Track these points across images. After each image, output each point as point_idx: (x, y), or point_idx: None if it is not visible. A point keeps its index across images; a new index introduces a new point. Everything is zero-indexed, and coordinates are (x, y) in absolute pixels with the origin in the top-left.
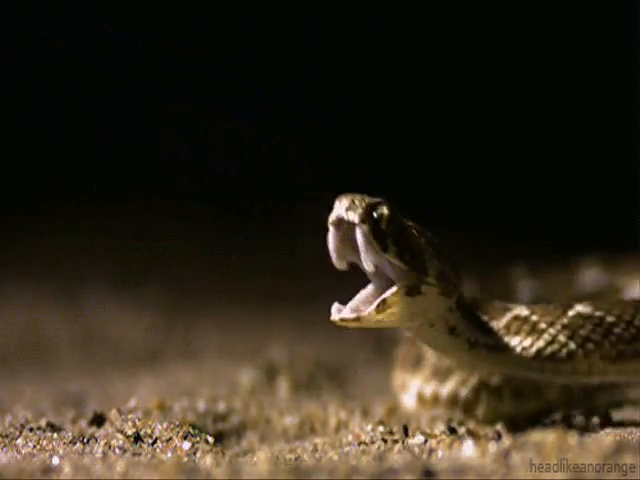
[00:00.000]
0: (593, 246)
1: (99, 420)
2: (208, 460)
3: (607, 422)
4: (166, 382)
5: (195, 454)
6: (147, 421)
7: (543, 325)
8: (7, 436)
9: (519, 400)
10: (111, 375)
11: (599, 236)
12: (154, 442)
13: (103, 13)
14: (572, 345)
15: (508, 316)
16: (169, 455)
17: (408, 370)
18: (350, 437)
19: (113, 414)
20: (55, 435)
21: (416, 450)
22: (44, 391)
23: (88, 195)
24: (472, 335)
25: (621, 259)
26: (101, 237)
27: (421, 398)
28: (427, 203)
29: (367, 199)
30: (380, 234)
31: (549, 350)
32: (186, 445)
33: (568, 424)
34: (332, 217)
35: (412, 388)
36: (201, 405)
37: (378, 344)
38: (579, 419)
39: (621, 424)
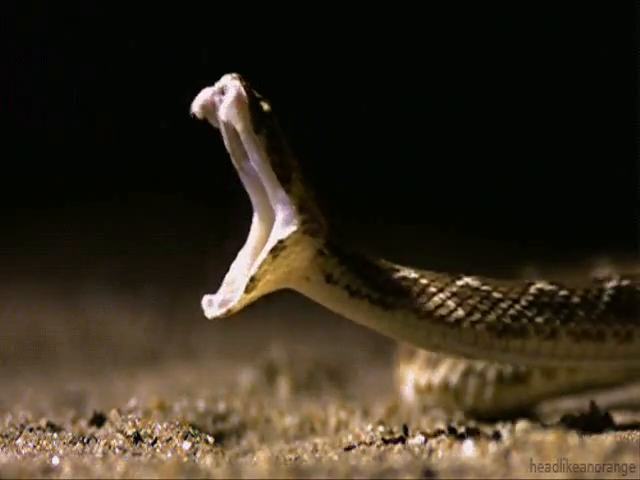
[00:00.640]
0: (593, 246)
1: (99, 420)
2: (208, 460)
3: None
4: (166, 382)
5: (195, 454)
6: (147, 421)
7: (433, 289)
8: (7, 436)
9: (503, 385)
10: (111, 375)
11: (599, 236)
12: (154, 442)
13: None
14: (460, 311)
15: (396, 275)
16: (169, 455)
17: (405, 362)
18: (350, 437)
19: (113, 414)
20: (55, 435)
21: (416, 450)
22: (44, 391)
23: (88, 195)
24: (353, 283)
25: (634, 259)
26: (101, 237)
27: (417, 388)
28: (428, 203)
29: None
30: (257, 113)
31: (438, 313)
32: (186, 445)
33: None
34: (216, 84)
35: (409, 379)
36: (201, 405)
37: (378, 344)
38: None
39: (621, 424)
